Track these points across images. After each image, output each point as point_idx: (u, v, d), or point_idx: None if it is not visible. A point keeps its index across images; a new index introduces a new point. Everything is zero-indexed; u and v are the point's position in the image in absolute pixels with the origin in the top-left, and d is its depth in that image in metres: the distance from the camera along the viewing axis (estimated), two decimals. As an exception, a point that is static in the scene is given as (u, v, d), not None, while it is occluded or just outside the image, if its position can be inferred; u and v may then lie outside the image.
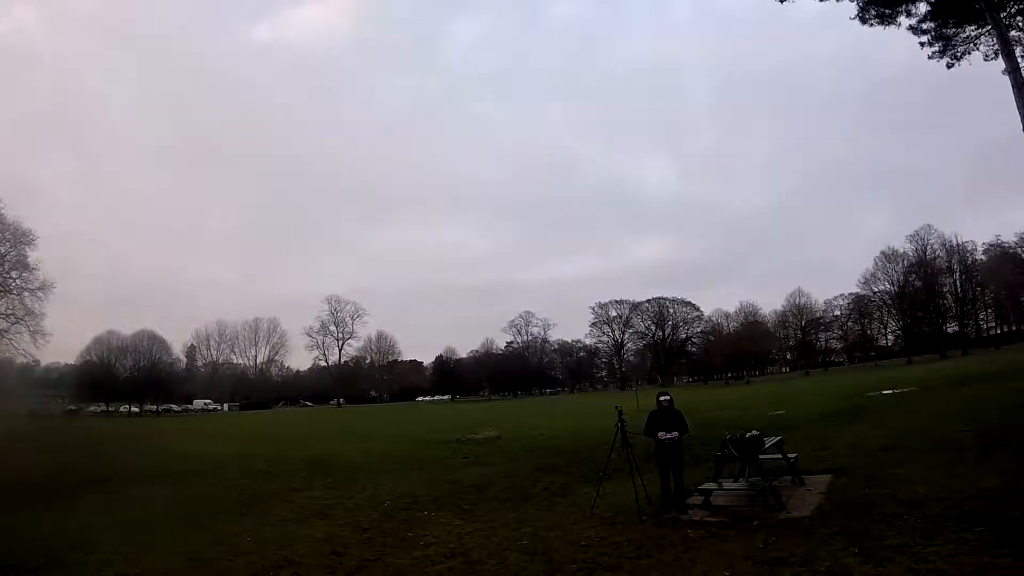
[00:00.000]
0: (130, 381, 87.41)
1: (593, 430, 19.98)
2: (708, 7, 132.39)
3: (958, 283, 77.56)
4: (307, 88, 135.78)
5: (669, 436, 11.01)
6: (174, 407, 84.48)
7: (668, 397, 11.40)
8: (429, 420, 40.05)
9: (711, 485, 10.73)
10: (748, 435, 11.34)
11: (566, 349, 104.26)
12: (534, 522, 9.92)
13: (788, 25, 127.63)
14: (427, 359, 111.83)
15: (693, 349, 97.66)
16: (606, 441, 12.24)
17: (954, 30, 20.85)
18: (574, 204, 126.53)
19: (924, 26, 20.95)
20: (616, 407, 11.66)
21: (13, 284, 52.79)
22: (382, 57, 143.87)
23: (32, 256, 54.04)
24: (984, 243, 78.53)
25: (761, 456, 11.78)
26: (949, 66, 21.38)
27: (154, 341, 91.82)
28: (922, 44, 21.27)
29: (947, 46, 21.14)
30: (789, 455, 11.84)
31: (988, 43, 20.31)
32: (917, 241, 78.65)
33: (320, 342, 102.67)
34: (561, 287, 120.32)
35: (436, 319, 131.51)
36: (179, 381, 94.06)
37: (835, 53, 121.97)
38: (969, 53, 20.98)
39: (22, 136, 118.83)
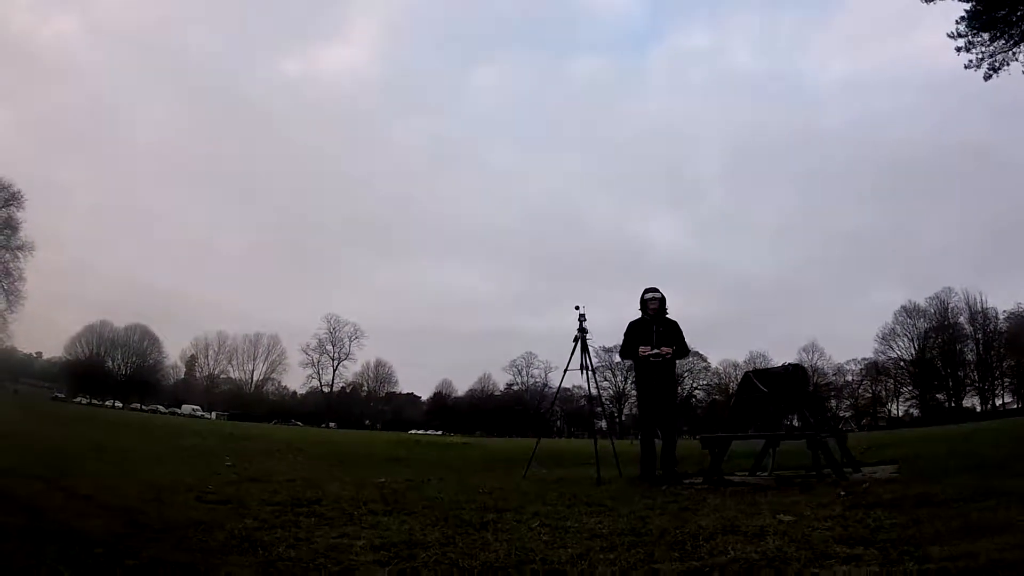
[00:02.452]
0: (119, 377, 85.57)
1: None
2: (726, 72, 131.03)
3: (979, 348, 74.21)
4: (328, 124, 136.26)
5: (658, 352, 8.10)
6: (161, 408, 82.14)
7: (659, 295, 8.44)
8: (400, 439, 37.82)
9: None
10: (786, 365, 8.75)
11: (566, 396, 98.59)
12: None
13: (804, 95, 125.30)
14: (425, 394, 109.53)
15: (698, 402, 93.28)
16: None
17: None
18: (582, 256, 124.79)
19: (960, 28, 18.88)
20: (576, 306, 8.95)
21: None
22: (402, 99, 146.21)
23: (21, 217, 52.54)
24: (1005, 311, 75.48)
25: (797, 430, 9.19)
26: (987, 77, 19.33)
27: (146, 336, 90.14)
28: (958, 49, 19.25)
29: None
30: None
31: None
32: (937, 303, 76.31)
33: (315, 360, 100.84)
34: (566, 336, 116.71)
35: (436, 358, 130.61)
36: (170, 383, 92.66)
37: (850, 123, 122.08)
38: (1008, 64, 18.81)
39: (47, 139, 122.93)
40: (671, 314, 8.82)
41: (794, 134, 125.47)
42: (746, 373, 9.04)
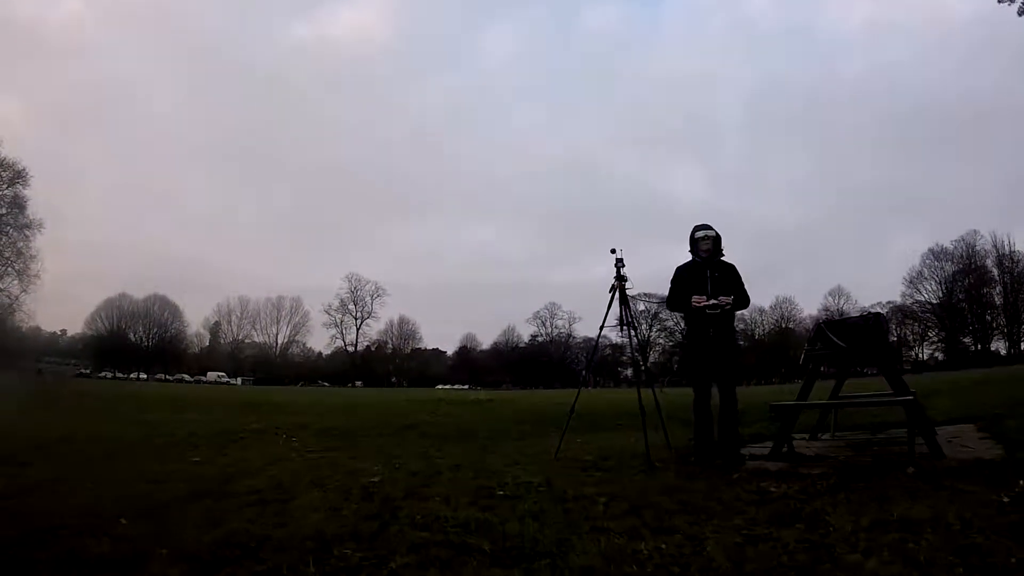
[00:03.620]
0: (142, 348, 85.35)
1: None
2: (743, 24, 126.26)
3: (1007, 292, 72.44)
4: (343, 87, 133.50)
5: (716, 302, 6.50)
6: (186, 377, 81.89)
7: (712, 233, 7.02)
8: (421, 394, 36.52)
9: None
10: (866, 314, 7.09)
11: (591, 345, 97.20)
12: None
13: (823, 46, 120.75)
14: (450, 349, 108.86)
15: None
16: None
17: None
18: (604, 208, 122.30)
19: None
20: (613, 249, 7.25)
21: (5, 223, 49.86)
22: (418, 59, 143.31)
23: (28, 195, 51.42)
24: None
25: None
26: (1021, 12, 17.44)
27: (166, 307, 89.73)
28: None
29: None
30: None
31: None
32: (963, 246, 74.15)
33: (338, 320, 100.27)
34: (589, 287, 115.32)
35: (460, 312, 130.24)
36: (195, 351, 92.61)
37: (869, 71, 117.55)
38: None
39: (63, 119, 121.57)
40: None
41: (813, 84, 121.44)
42: (818, 324, 7.38)
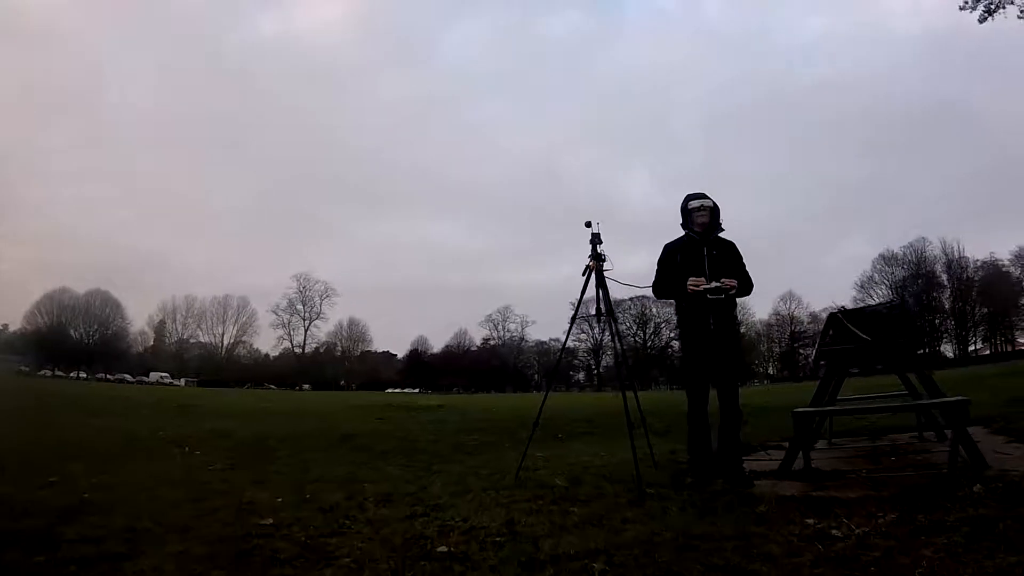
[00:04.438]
0: (83, 346, 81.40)
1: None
2: (702, 27, 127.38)
3: (955, 296, 74.08)
4: (306, 80, 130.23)
5: (718, 285, 5.37)
6: (128, 377, 78.13)
7: (710, 203, 5.65)
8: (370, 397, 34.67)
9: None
10: (890, 302, 5.71)
11: (543, 349, 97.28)
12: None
13: (779, 51, 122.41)
14: (401, 352, 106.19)
15: (675, 351, 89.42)
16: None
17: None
18: (562, 209, 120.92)
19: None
20: (588, 222, 5.88)
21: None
22: (382, 55, 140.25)
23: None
24: (978, 260, 75.52)
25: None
26: (981, 20, 18.18)
27: (107, 303, 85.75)
28: None
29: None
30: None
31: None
32: (912, 252, 75.26)
33: (286, 321, 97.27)
34: (542, 290, 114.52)
35: (413, 314, 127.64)
36: (139, 351, 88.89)
37: (828, 78, 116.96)
38: (1004, 7, 17.75)
39: (29, 104, 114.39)
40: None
41: (770, 91, 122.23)
42: (833, 315, 5.98)
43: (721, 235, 5.66)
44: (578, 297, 5.94)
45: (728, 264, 5.51)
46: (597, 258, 5.90)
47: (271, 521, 4.21)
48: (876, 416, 8.29)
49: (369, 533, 3.89)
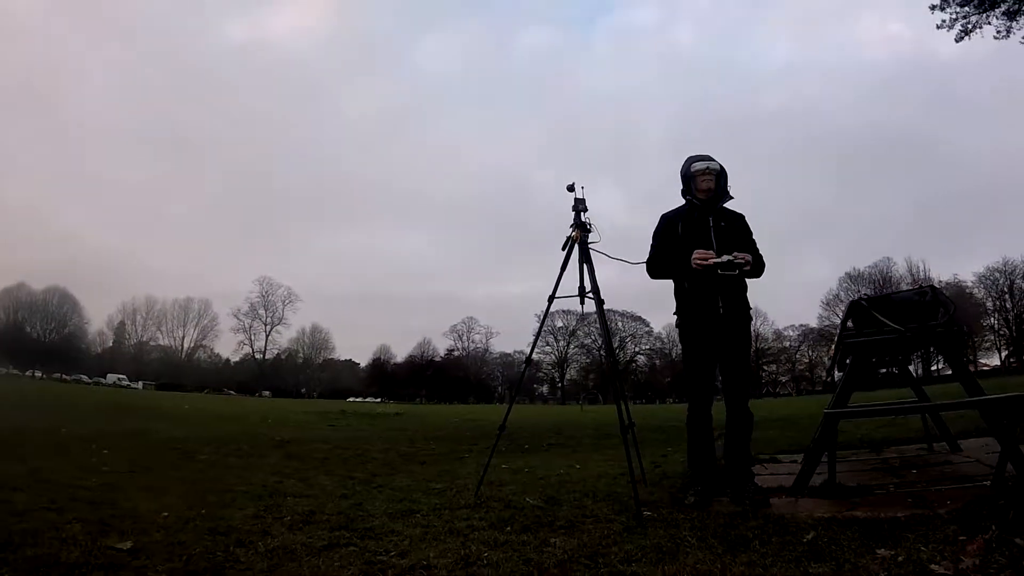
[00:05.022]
0: (40, 344, 78.31)
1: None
2: (671, 51, 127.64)
3: None
4: (274, 87, 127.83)
5: (730, 260, 4.24)
6: (85, 378, 75.20)
7: (716, 166, 4.54)
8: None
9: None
10: (921, 287, 4.68)
11: (507, 360, 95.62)
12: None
13: (747, 77, 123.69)
14: (363, 360, 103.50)
15: (640, 366, 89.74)
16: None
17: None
18: (528, 224, 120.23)
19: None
20: (570, 186, 4.74)
21: None
22: (351, 65, 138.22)
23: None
24: (942, 281, 74.96)
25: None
26: (959, 39, 18.01)
27: (66, 301, 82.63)
28: (932, 7, 17.85)
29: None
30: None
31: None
32: (877, 272, 75.43)
33: (247, 325, 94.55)
34: (508, 304, 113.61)
35: (376, 322, 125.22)
36: (97, 351, 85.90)
37: (786, 105, 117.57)
38: (981, 27, 17.62)
39: None
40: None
41: (735, 114, 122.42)
42: (855, 303, 4.90)
43: (728, 205, 4.55)
44: (557, 273, 4.75)
45: (737, 238, 4.41)
46: (582, 227, 4.74)
47: (129, 545, 2.97)
48: (871, 425, 7.61)
49: (261, 569, 2.67)
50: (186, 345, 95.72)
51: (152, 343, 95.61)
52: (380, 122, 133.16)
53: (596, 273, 4.67)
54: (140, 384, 79.04)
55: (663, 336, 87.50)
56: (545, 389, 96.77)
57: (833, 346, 5.15)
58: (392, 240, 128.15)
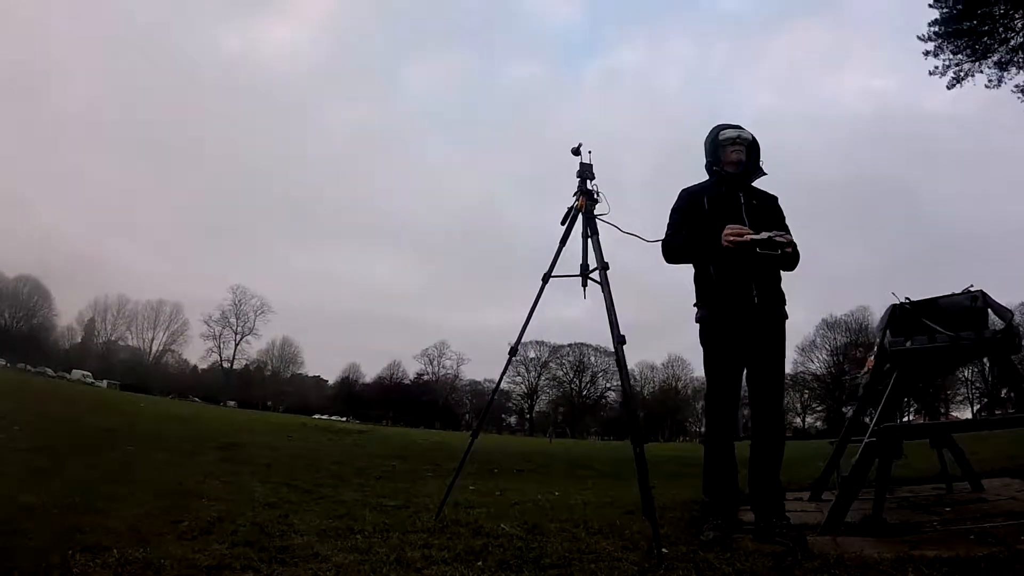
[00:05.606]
0: (5, 332, 75.99)
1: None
2: (655, 93, 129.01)
3: None
4: (263, 100, 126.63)
5: (770, 236, 3.33)
6: (49, 371, 72.86)
7: (748, 136, 3.67)
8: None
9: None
10: (970, 291, 3.87)
11: (477, 389, 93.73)
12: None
13: (730, 119, 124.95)
14: (332, 378, 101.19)
15: (611, 402, 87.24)
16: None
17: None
18: (504, 255, 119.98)
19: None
20: (575, 149, 3.94)
21: None
22: (339, 85, 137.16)
23: None
24: None
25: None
26: (951, 86, 18.43)
27: (36, 291, 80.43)
28: (926, 53, 18.23)
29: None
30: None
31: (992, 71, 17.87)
32: (854, 319, 74.60)
33: (217, 333, 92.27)
34: (481, 333, 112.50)
35: (346, 342, 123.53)
36: (66, 346, 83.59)
37: (767, 153, 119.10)
38: (973, 75, 18.11)
39: None
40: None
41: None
42: (897, 306, 4.06)
43: (758, 184, 3.72)
44: (556, 249, 3.86)
45: (771, 221, 3.53)
46: (588, 196, 3.85)
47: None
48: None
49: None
50: (155, 348, 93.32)
51: (121, 343, 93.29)
52: (363, 143, 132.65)
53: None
54: (104, 383, 76.86)
55: (635, 374, 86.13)
56: (513, 420, 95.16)
57: (871, 355, 4.32)
58: (366, 261, 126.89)
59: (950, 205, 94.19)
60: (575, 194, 3.92)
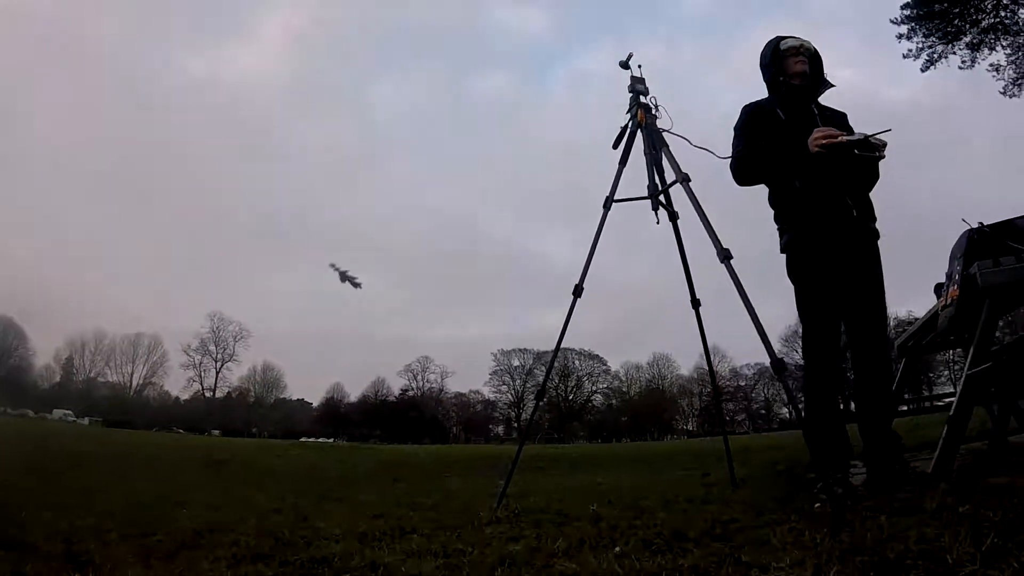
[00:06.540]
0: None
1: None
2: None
3: None
4: (229, 125, 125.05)
5: (865, 137, 2.65)
6: (30, 412, 70.63)
7: (811, 47, 2.98)
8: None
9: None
10: None
11: (462, 401, 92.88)
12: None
13: (699, 126, 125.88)
14: (316, 400, 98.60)
15: (596, 405, 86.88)
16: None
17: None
18: (478, 269, 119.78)
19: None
20: (623, 61, 3.41)
21: None
22: (308, 106, 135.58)
23: None
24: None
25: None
26: (924, 68, 18.26)
27: (11, 331, 77.92)
28: (899, 36, 17.98)
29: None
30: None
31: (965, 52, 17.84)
32: None
33: (197, 361, 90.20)
34: (463, 346, 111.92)
35: (328, 361, 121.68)
36: (45, 387, 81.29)
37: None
38: (946, 57, 18.00)
39: None
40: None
41: (694, 164, 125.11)
42: (975, 230, 3.26)
43: (825, 101, 3.07)
44: (615, 174, 3.08)
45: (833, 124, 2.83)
46: (645, 109, 3.09)
47: None
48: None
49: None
50: (135, 382, 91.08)
51: (100, 379, 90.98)
52: (332, 162, 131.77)
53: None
54: (87, 420, 74.76)
55: (620, 375, 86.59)
56: (501, 430, 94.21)
57: (950, 289, 3.58)
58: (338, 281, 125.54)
59: (917, 196, 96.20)
60: (629, 110, 3.18)
